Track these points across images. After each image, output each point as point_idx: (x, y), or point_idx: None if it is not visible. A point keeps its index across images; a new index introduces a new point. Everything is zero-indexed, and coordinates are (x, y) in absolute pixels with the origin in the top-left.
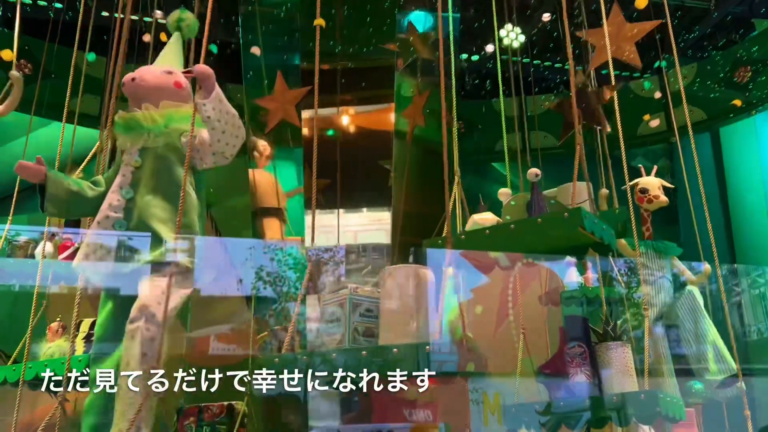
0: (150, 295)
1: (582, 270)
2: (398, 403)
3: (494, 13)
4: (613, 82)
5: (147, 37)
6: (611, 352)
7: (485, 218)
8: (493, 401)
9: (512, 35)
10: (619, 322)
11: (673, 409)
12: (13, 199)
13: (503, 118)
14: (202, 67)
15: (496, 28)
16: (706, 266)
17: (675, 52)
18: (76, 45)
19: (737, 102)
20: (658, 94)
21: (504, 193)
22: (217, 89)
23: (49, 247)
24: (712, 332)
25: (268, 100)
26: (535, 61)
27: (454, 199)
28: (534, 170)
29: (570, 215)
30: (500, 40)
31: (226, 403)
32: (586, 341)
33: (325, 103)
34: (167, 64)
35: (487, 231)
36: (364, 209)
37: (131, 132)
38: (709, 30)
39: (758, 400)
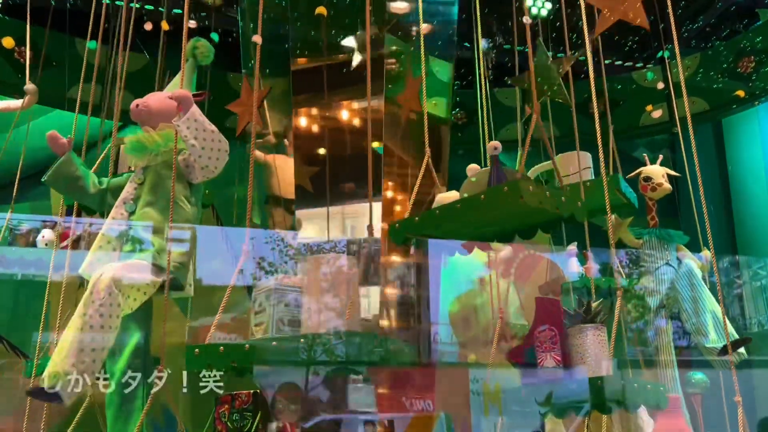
0: (121, 263)
1: (583, 260)
2: (399, 392)
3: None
4: (589, 56)
5: (149, 26)
6: (584, 335)
7: (448, 197)
8: (494, 391)
9: (539, 3)
10: (594, 304)
11: (645, 396)
12: (15, 187)
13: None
14: (178, 91)
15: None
16: (706, 253)
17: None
18: (89, 34)
19: (740, 93)
20: (660, 85)
21: (472, 169)
22: (194, 109)
23: (50, 234)
24: (711, 302)
25: (235, 105)
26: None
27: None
28: (493, 143)
29: (509, 187)
30: (528, 10)
31: (252, 391)
32: (557, 324)
33: (320, 96)
34: (176, 88)
35: (438, 211)
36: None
37: (137, 153)
38: (713, 20)
39: (759, 392)
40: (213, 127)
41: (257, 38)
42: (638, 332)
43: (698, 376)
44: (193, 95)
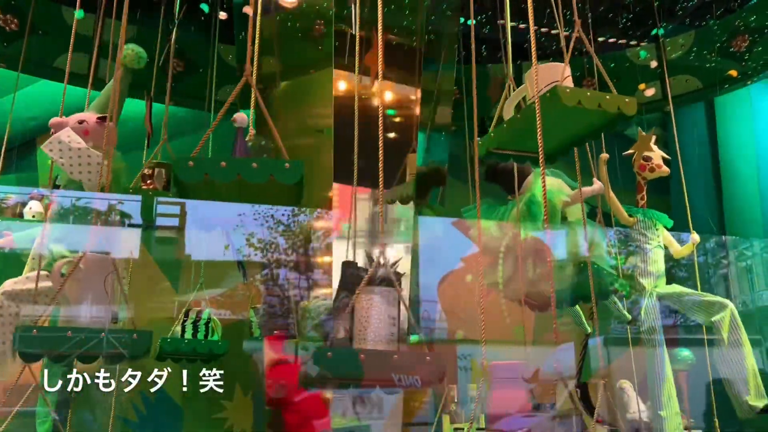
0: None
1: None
2: (387, 368)
3: None
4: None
5: None
6: (369, 299)
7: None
8: (482, 368)
9: None
10: (393, 262)
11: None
12: (1, 158)
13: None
14: (52, 120)
15: None
16: (694, 236)
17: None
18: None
19: (733, 72)
20: (654, 64)
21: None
22: (60, 132)
23: (38, 206)
24: (750, 354)
25: None
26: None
27: None
28: (237, 115)
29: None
30: None
31: None
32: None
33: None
34: (95, 109)
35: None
36: None
37: (60, 172)
38: None
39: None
40: (81, 145)
41: (248, 9)
42: (627, 310)
43: (684, 353)
44: (98, 118)
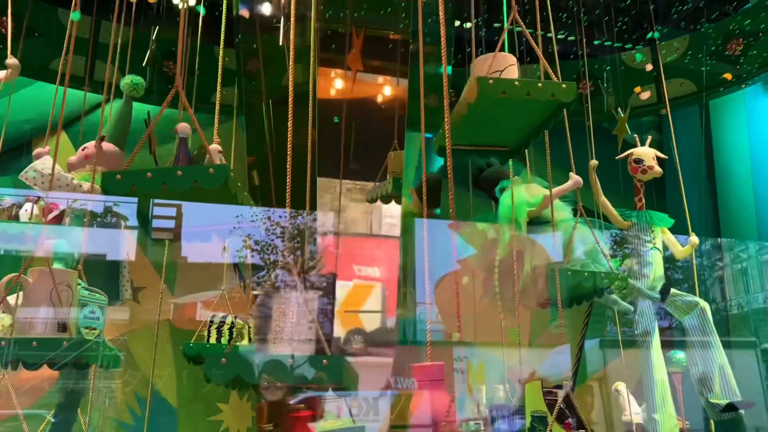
0: None
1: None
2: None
3: None
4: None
5: None
6: (286, 301)
7: None
8: (478, 370)
9: None
10: (317, 265)
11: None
12: None
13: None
14: (35, 151)
15: None
16: (693, 238)
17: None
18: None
19: (728, 75)
20: (649, 67)
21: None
22: (38, 161)
23: (34, 209)
24: (720, 352)
25: None
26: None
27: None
28: (182, 125)
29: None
30: None
31: None
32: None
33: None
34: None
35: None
36: None
37: None
38: (703, 1)
39: (738, 371)
40: (53, 171)
41: (244, 12)
42: (622, 313)
43: (679, 355)
44: (99, 138)
